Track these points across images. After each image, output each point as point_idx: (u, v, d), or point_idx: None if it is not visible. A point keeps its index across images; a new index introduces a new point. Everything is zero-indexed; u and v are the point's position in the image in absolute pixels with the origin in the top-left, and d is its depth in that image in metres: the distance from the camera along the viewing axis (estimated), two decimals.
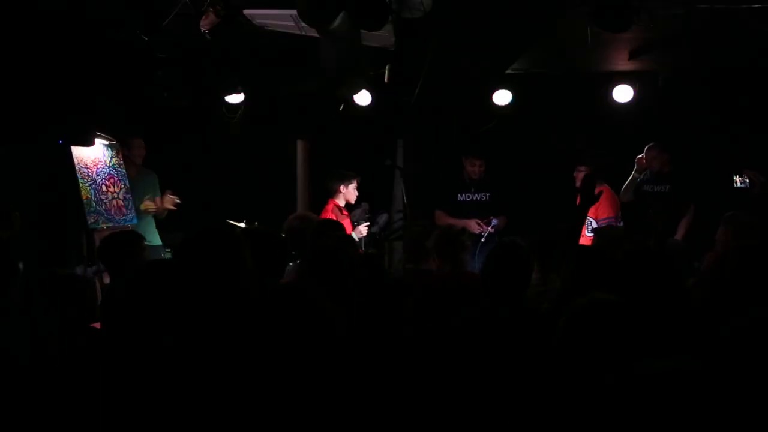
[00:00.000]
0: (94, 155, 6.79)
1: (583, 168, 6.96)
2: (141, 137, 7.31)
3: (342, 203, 7.09)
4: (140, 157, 7.32)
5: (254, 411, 2.38)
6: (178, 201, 7.25)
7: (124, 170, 7.11)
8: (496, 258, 3.66)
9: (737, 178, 5.22)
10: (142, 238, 4.43)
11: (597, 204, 6.85)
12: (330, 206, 7.02)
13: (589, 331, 2.55)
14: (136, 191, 7.20)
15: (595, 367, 2.49)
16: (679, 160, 7.32)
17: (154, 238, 7.07)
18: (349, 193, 7.08)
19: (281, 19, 5.46)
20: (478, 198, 7.35)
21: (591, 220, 6.87)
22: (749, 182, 5.11)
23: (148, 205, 7.15)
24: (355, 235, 6.95)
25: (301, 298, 2.56)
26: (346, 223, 7.01)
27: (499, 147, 8.06)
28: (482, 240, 6.87)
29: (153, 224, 7.24)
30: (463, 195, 7.39)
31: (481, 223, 7.02)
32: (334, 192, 7.10)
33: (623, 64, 7.54)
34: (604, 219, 6.95)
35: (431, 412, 2.56)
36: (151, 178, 7.37)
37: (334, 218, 6.84)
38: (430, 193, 7.83)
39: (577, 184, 6.96)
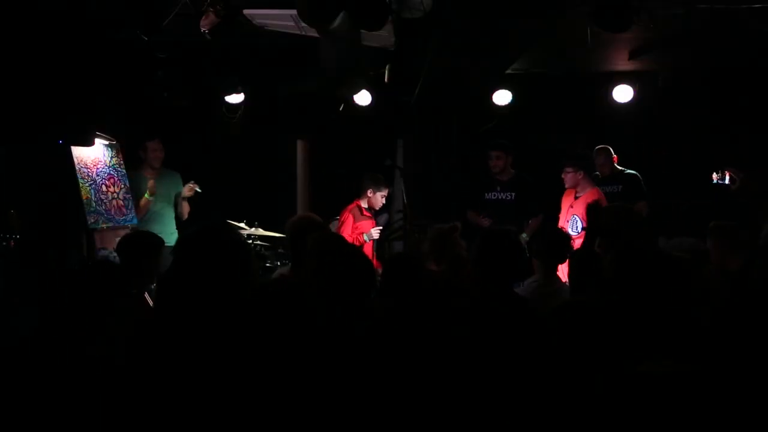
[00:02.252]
0: (94, 155, 6.79)
1: (570, 169, 6.89)
2: (157, 139, 7.22)
3: (365, 205, 7.15)
4: (157, 160, 7.20)
5: (250, 407, 2.38)
6: (198, 190, 7.19)
7: (124, 170, 7.10)
8: (483, 246, 3.64)
9: (714, 175, 5.19)
10: (162, 241, 4.44)
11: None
12: (352, 205, 7.09)
13: (566, 332, 2.57)
14: (157, 191, 7.17)
15: (581, 367, 2.51)
16: (628, 162, 7.36)
17: (173, 239, 7.05)
18: (375, 199, 7.16)
19: (281, 19, 5.46)
20: (503, 197, 7.29)
21: (577, 219, 6.80)
22: (729, 179, 5.09)
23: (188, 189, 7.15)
24: (367, 237, 7.07)
25: (288, 295, 2.57)
26: (367, 224, 7.05)
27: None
28: None
29: (173, 224, 7.22)
30: (490, 194, 7.34)
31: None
32: (362, 193, 7.16)
33: (623, 64, 7.54)
34: None
35: (423, 402, 2.57)
36: (173, 177, 7.32)
37: (352, 218, 6.96)
38: (459, 193, 7.80)
39: (566, 185, 6.96)
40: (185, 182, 7.30)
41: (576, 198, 6.91)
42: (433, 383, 2.67)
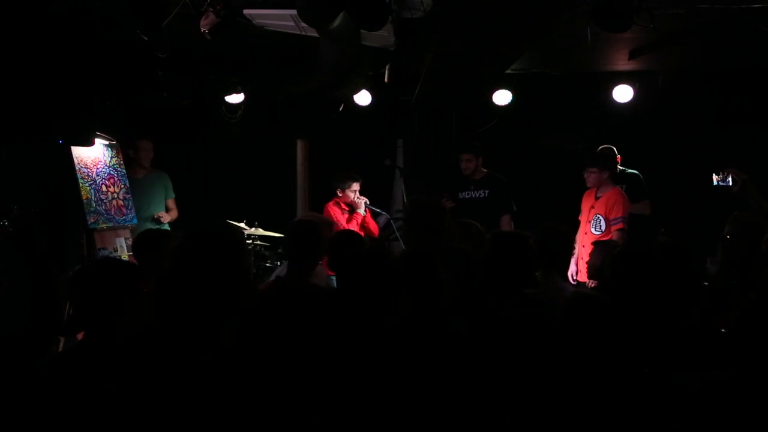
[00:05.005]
0: (94, 155, 6.79)
1: (595, 169, 6.73)
2: (149, 138, 7.24)
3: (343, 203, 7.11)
4: (147, 159, 7.24)
5: (251, 409, 2.38)
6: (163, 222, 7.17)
7: (124, 170, 7.10)
8: (498, 247, 3.64)
9: (716, 177, 5.18)
10: (173, 236, 4.43)
11: (611, 204, 6.73)
12: (330, 203, 7.04)
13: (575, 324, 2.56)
14: (145, 193, 7.19)
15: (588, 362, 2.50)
16: (628, 162, 7.39)
17: None
18: (347, 196, 7.04)
19: (281, 19, 5.45)
20: (477, 195, 7.38)
21: (600, 218, 6.64)
22: (731, 180, 5.07)
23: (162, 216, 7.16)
24: (362, 211, 7.01)
25: (295, 297, 2.56)
26: (346, 218, 7.03)
27: (499, 147, 8.07)
28: None
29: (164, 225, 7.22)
30: (464, 193, 7.43)
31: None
32: (334, 194, 7.11)
33: (623, 64, 7.54)
34: (617, 219, 6.58)
35: (429, 403, 2.56)
36: (162, 178, 7.34)
37: (339, 212, 6.91)
38: (435, 193, 7.82)
39: (588, 185, 6.83)
40: (175, 184, 7.32)
41: (597, 198, 6.74)
42: (454, 385, 2.65)
